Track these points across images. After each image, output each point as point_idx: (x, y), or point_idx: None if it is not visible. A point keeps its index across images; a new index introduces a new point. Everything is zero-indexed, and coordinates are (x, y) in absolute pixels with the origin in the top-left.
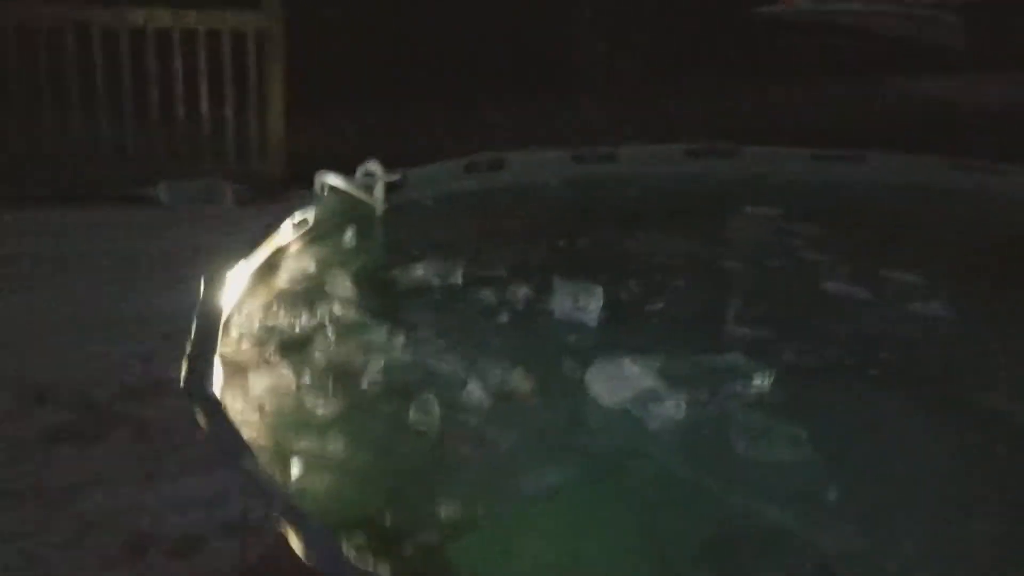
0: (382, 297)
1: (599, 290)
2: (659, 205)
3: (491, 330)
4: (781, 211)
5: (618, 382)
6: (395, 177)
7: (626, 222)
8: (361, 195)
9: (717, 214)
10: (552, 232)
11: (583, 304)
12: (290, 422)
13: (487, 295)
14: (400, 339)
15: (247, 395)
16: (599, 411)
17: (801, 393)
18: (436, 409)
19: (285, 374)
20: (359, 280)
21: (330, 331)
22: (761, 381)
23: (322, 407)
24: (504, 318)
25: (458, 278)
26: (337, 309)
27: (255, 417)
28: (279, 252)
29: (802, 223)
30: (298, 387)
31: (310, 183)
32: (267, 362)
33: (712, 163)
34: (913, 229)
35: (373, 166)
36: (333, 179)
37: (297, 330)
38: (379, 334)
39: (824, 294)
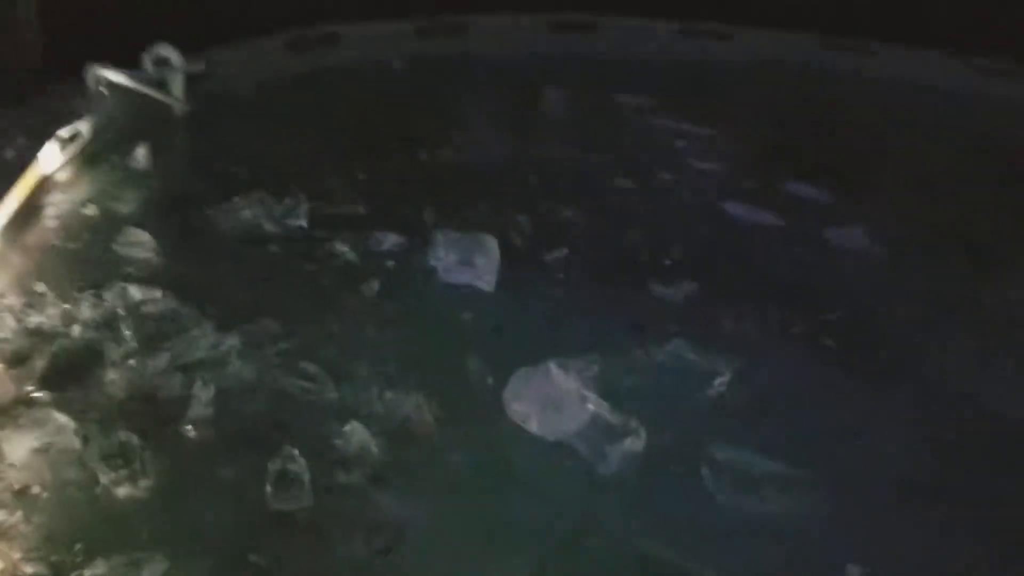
0: (194, 261)
1: (491, 242)
2: (520, 94)
3: (360, 311)
4: (656, 100)
5: (547, 401)
6: (197, 66)
7: (488, 116)
8: (153, 93)
9: (588, 105)
10: (407, 134)
11: (474, 261)
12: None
13: (345, 250)
14: (232, 340)
15: None
16: (528, 452)
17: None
18: (301, 471)
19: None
20: (159, 232)
21: (122, 338)
22: (718, 382)
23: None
24: (374, 287)
25: (301, 218)
26: (127, 294)
27: None
28: (38, 189)
29: (684, 118)
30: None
31: (79, 76)
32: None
33: (574, 40)
34: (794, 117)
35: (166, 51)
36: (113, 74)
37: (66, 338)
38: (197, 333)
39: (731, 223)
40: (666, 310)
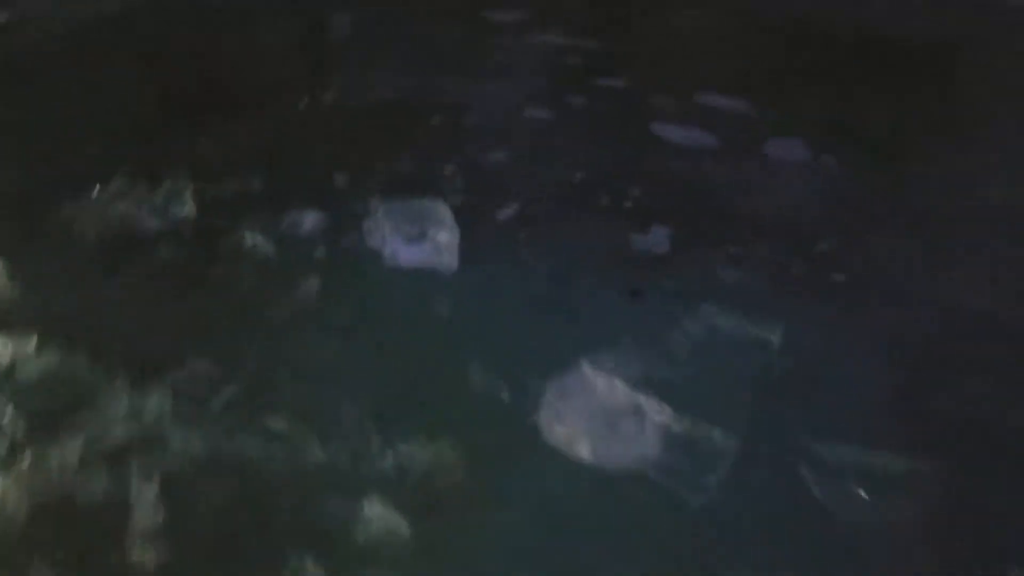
0: (63, 286)
1: (442, 209)
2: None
3: (305, 322)
4: (532, 13)
5: (596, 417)
6: None
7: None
8: None
9: (459, 26)
10: (258, 82)
11: (427, 235)
12: None
13: (257, 240)
14: (157, 398)
15: None
16: (591, 490)
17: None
18: None
19: None
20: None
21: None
22: (769, 354)
23: None
24: (311, 286)
25: (185, 205)
26: None
27: None
28: None
29: (571, 33)
30: None
31: None
32: None
33: None
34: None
35: None
36: None
37: None
38: (106, 399)
39: (668, 147)
40: (655, 265)
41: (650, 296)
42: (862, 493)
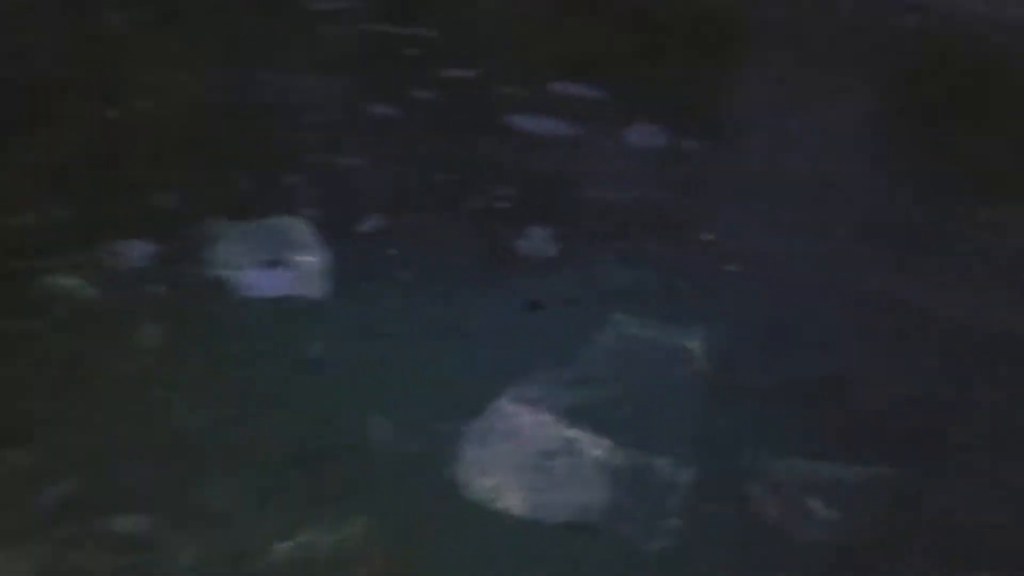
0: None
1: (298, 227)
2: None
3: (149, 380)
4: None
5: (529, 463)
6: None
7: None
8: None
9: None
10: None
11: (283, 259)
12: None
13: (71, 283)
14: None
15: None
16: (537, 550)
17: None
18: None
19: None
20: None
21: None
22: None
23: None
24: (152, 333)
25: None
26: None
27: None
28: None
29: (396, 21)
30: None
31: None
32: None
33: None
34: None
35: None
36: None
37: None
38: None
39: (528, 139)
40: (544, 272)
41: (550, 308)
42: (818, 509)
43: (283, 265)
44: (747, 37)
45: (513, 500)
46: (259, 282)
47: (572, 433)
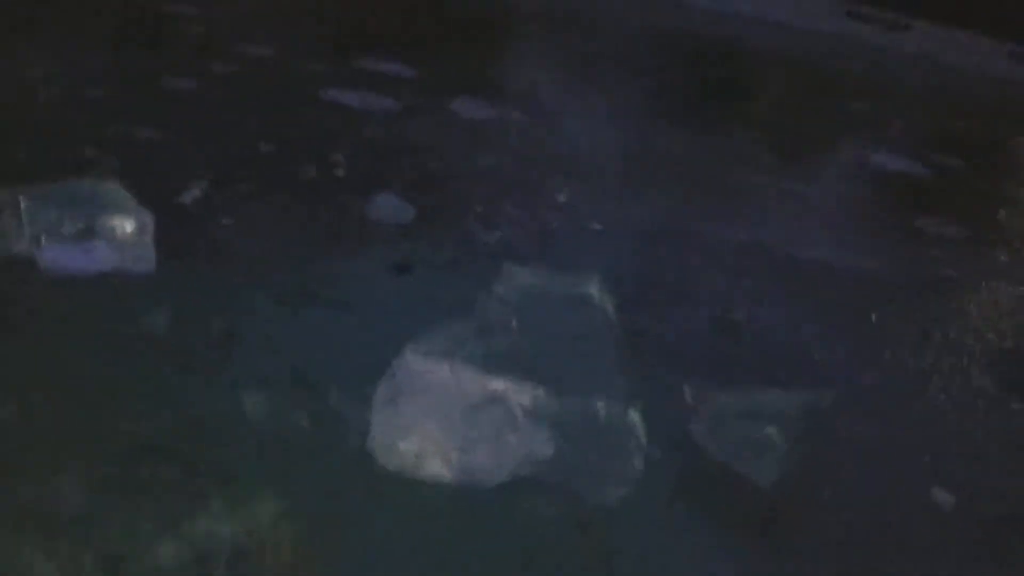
0: None
1: (117, 191)
2: None
3: None
4: None
5: (453, 422)
6: None
7: None
8: None
9: None
10: None
11: (102, 227)
12: None
13: None
14: None
15: None
16: (474, 518)
17: None
18: None
19: None
20: None
21: None
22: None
23: None
24: None
25: None
26: None
27: None
28: None
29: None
30: None
31: None
32: None
33: None
34: None
35: None
36: None
37: None
38: None
39: (338, 112)
40: (401, 237)
41: (422, 271)
42: (763, 442)
43: (96, 233)
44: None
45: (439, 465)
46: (68, 255)
47: (496, 383)
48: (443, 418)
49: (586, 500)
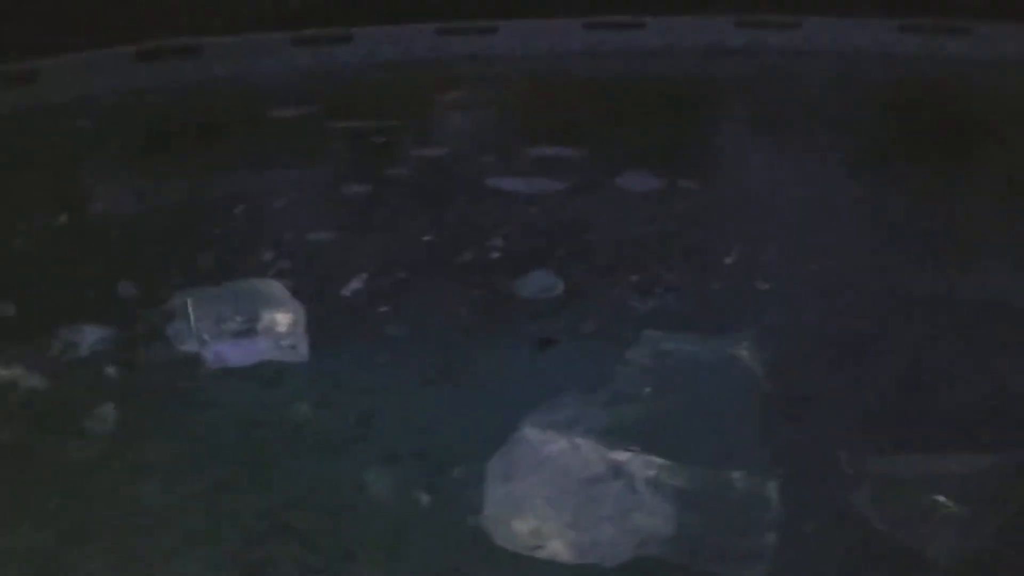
0: None
1: (273, 287)
2: None
3: (117, 468)
4: None
5: (560, 496)
6: None
7: None
8: None
9: None
10: None
11: (259, 321)
12: None
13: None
14: None
15: None
16: None
17: None
18: None
19: None
20: None
21: None
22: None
23: None
24: (108, 420)
25: None
26: None
27: None
28: None
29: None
30: None
31: None
32: None
33: None
34: None
35: None
36: None
37: None
38: None
39: None
40: (556, 311)
41: (566, 342)
42: (937, 510)
43: (257, 328)
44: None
45: (557, 543)
46: (230, 350)
47: (618, 455)
48: (560, 493)
49: None
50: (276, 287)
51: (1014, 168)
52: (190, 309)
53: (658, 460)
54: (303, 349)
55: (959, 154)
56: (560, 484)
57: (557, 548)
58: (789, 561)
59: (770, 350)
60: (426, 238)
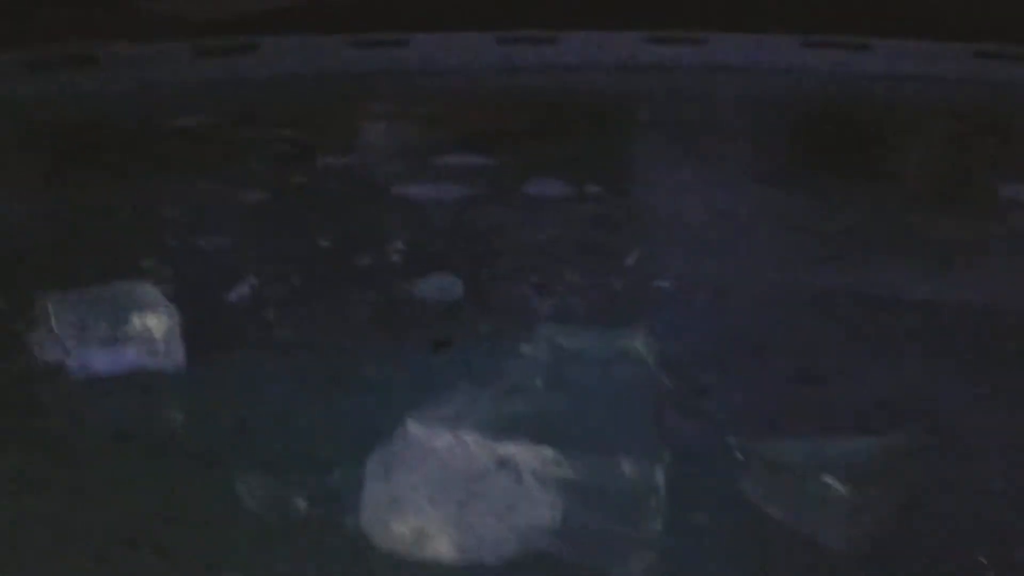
0: None
1: (148, 291)
2: None
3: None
4: None
5: (443, 491)
6: None
7: None
8: None
9: None
10: None
11: (130, 328)
12: None
13: None
14: None
15: None
16: None
17: None
18: None
19: None
20: None
21: None
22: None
23: None
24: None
25: None
26: None
27: None
28: None
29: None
30: None
31: None
32: None
33: None
34: None
35: None
36: None
37: None
38: None
39: None
40: (453, 314)
41: (463, 343)
42: (831, 496)
43: (127, 335)
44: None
45: (440, 542)
46: (98, 359)
47: (505, 448)
48: (443, 490)
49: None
50: (150, 291)
51: (908, 175)
52: (51, 314)
53: (545, 452)
54: (178, 356)
55: (857, 163)
56: (443, 480)
57: (439, 547)
58: (678, 551)
59: (665, 344)
60: (324, 243)
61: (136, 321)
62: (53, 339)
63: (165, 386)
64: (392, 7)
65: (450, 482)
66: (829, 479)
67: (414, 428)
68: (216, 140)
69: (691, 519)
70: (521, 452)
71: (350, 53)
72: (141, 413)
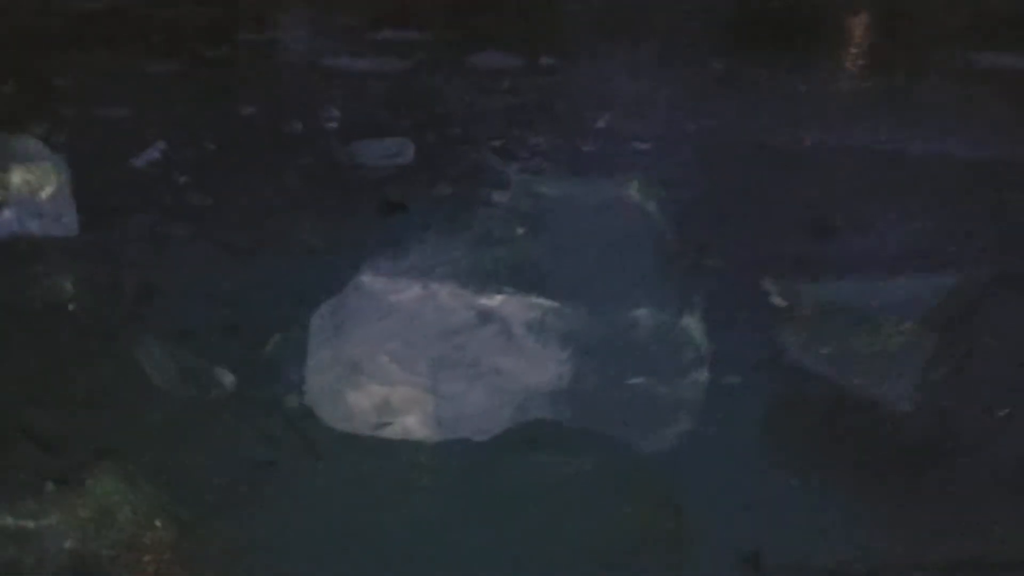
0: None
1: (34, 145)
2: None
3: None
4: None
5: (408, 351)
6: None
7: None
8: None
9: None
10: None
11: (16, 184)
12: None
13: None
14: None
15: None
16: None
17: None
18: None
19: None
20: None
21: None
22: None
23: None
24: None
25: None
26: None
27: None
28: None
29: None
30: None
31: None
32: None
33: None
34: None
35: None
36: None
37: None
38: None
39: None
40: (409, 176)
41: (417, 207)
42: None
43: (8, 196)
44: None
45: (411, 417)
46: None
47: (488, 299)
48: (412, 350)
49: (629, 450)
50: (33, 144)
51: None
52: None
53: (539, 302)
54: (70, 220)
55: (824, 34)
56: (411, 339)
57: (410, 424)
58: (711, 419)
59: (663, 194)
60: (246, 111)
61: (14, 179)
62: None
63: (52, 252)
64: None
65: (420, 341)
66: (892, 322)
67: (371, 280)
68: (122, 17)
69: (721, 379)
70: (508, 303)
71: None
72: (21, 282)
